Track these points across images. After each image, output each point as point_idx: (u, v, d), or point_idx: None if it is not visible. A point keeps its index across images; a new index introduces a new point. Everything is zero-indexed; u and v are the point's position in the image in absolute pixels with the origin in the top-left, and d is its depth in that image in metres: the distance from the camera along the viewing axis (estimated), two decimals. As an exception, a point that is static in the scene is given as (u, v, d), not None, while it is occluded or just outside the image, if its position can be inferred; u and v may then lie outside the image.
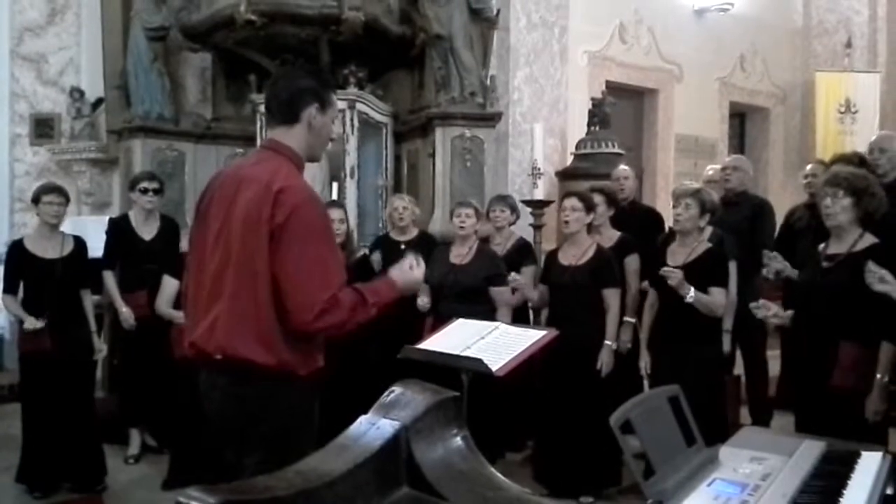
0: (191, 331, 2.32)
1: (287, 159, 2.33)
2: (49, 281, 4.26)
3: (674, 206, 4.15)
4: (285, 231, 2.15)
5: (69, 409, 4.25)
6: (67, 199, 4.44)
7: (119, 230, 4.92)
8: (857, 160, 4.50)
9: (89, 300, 4.49)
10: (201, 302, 2.29)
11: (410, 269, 2.44)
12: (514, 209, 5.06)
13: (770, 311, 3.50)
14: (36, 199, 4.34)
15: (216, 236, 2.27)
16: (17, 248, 4.33)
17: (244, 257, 2.20)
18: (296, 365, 2.23)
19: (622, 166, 5.68)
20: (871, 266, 2.97)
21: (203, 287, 2.29)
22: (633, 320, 4.48)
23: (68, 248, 4.37)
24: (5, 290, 4.31)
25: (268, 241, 2.16)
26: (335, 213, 4.28)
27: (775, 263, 3.96)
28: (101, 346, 4.53)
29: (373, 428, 1.43)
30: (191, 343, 2.30)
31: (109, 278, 4.81)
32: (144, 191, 4.88)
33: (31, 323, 4.15)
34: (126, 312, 4.69)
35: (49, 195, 4.30)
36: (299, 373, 2.25)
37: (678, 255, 4.06)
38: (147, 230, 4.93)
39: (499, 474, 1.44)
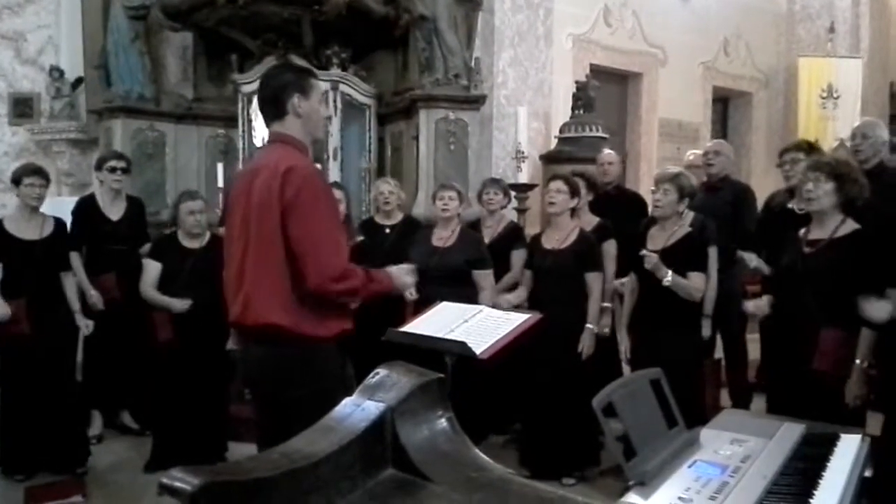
0: (231, 311, 2.61)
1: (291, 146, 2.61)
2: (28, 262, 4.21)
3: (653, 192, 4.17)
4: (296, 205, 2.41)
5: (49, 391, 4.21)
6: (48, 181, 4.38)
7: (86, 210, 4.86)
8: (807, 146, 4.56)
9: (71, 282, 4.44)
10: (235, 285, 2.57)
11: (408, 276, 2.81)
12: (506, 193, 5.09)
13: (760, 310, 3.53)
14: (17, 181, 4.28)
15: (240, 225, 2.56)
16: None
17: (262, 235, 2.47)
18: (320, 328, 2.50)
19: (607, 151, 5.68)
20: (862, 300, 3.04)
21: (234, 272, 2.58)
22: (610, 305, 4.50)
23: (48, 229, 4.32)
24: None
25: (280, 216, 2.41)
26: (336, 193, 4.27)
27: (750, 263, 4.00)
28: (86, 323, 4.47)
29: (358, 409, 1.43)
30: (231, 322, 2.63)
31: (76, 260, 4.64)
32: (112, 170, 4.83)
33: (3, 312, 4.07)
34: (95, 296, 4.62)
35: (30, 177, 4.25)
36: (324, 335, 2.51)
37: (657, 239, 4.08)
38: (114, 210, 4.89)
39: (483, 455, 1.45)
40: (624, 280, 4.39)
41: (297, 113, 2.61)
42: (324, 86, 2.74)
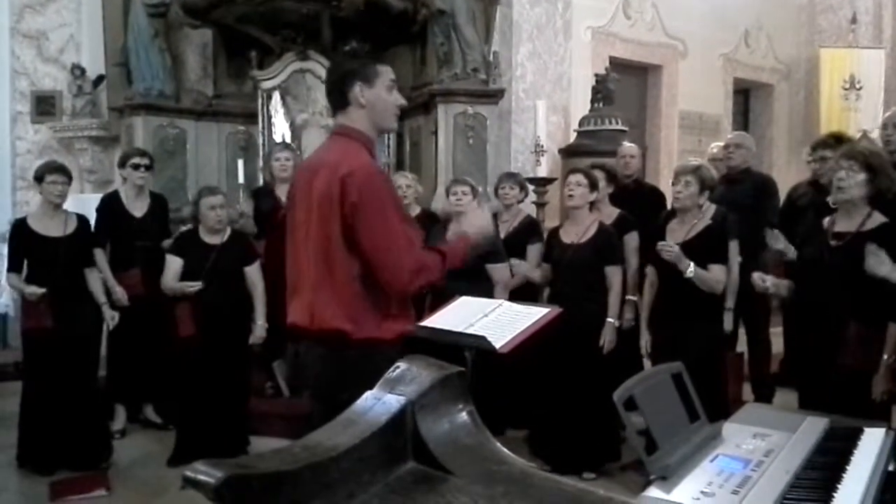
0: (292, 313, 2.58)
1: (354, 140, 2.55)
2: (53, 259, 4.25)
3: (673, 184, 4.14)
4: (361, 210, 2.37)
5: (71, 386, 4.25)
6: (70, 178, 4.42)
7: (110, 207, 4.91)
8: (834, 140, 4.50)
9: (95, 277, 4.48)
10: (298, 285, 2.56)
11: (483, 222, 2.78)
12: (522, 187, 5.06)
13: (766, 282, 3.49)
14: (39, 178, 4.33)
15: (303, 223, 2.53)
16: (20, 226, 4.32)
17: (324, 237, 2.44)
18: (379, 331, 2.47)
19: (628, 144, 5.64)
20: (872, 250, 2.98)
21: (297, 271, 2.56)
22: (634, 298, 4.48)
23: (72, 226, 4.36)
24: (10, 269, 4.32)
25: (341, 220, 2.38)
26: None
27: (776, 244, 3.88)
28: (112, 314, 4.51)
29: (378, 403, 1.43)
30: (291, 323, 2.59)
31: (100, 256, 4.69)
32: (136, 167, 4.87)
33: (32, 291, 4.13)
34: (119, 292, 4.67)
35: (52, 175, 4.29)
36: (384, 338, 2.47)
37: (678, 232, 4.05)
38: (138, 207, 4.92)
39: (504, 449, 1.44)
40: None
41: (360, 103, 2.53)
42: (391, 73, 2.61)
